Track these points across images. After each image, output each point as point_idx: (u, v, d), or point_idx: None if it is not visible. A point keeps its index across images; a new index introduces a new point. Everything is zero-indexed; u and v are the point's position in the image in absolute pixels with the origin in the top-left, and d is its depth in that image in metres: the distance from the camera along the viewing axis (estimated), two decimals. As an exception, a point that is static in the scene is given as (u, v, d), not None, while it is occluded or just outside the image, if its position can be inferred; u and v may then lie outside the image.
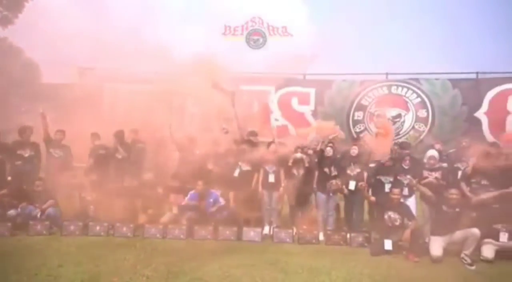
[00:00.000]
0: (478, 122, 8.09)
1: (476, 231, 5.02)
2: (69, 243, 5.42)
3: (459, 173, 6.02)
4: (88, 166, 6.88)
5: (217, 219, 5.97)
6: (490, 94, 8.14)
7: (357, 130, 8.68)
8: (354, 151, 6.06)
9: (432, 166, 5.87)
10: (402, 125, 8.53)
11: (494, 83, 8.18)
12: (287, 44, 8.99)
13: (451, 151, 6.59)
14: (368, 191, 5.81)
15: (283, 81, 8.93)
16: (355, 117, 8.66)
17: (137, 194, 6.45)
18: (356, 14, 9.03)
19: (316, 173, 6.10)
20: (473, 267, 4.81)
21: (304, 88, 8.93)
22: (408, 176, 5.63)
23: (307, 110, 8.77)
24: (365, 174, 5.89)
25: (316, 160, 6.14)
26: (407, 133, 8.42)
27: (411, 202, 5.83)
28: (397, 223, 5.39)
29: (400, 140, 7.96)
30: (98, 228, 5.85)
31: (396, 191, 5.46)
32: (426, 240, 5.28)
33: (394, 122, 8.48)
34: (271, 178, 6.22)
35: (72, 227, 5.84)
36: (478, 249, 5.08)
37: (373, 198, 5.65)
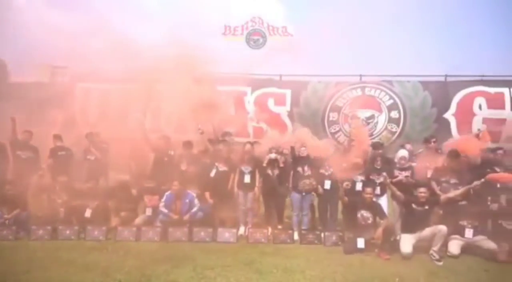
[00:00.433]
0: (447, 123, 8.38)
1: (443, 228, 5.21)
2: (37, 248, 5.25)
3: (429, 172, 6.23)
4: (46, 166, 6.69)
5: (192, 221, 5.92)
6: (458, 96, 8.46)
7: (332, 131, 8.83)
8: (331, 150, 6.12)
9: (402, 166, 6.05)
10: (376, 126, 8.73)
11: (461, 86, 8.51)
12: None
13: (420, 150, 6.80)
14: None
15: (260, 82, 8.96)
16: (330, 118, 8.79)
17: (111, 195, 6.32)
18: (331, 17, 9.19)
19: (291, 173, 6.16)
20: (441, 263, 5.00)
21: (280, 89, 9.00)
22: (384, 173, 5.77)
23: (283, 111, 8.84)
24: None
25: (290, 160, 6.20)
26: (380, 134, 8.62)
27: (383, 201, 5.99)
28: (370, 222, 5.52)
29: (373, 140, 8.15)
30: (68, 232, 5.68)
31: (368, 190, 5.58)
32: (397, 238, 5.42)
33: (368, 123, 8.67)
34: (247, 179, 6.23)
35: (40, 232, 5.65)
36: (445, 245, 5.28)
37: (346, 198, 5.75)
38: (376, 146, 6.64)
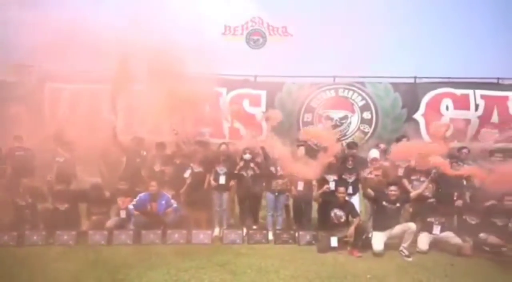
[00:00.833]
0: (416, 123, 8.64)
1: (412, 225, 5.40)
2: (2, 254, 5.03)
3: (400, 171, 6.43)
4: (3, 168, 6.45)
5: (168, 222, 5.83)
6: (427, 97, 8.75)
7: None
8: (301, 152, 6.16)
9: (374, 165, 6.21)
10: (349, 127, 8.88)
11: (429, 87, 8.79)
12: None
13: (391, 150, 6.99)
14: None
15: (235, 82, 8.94)
16: (305, 119, 8.86)
17: (82, 198, 6.13)
18: (306, 18, 9.31)
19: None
20: (410, 259, 5.17)
21: (255, 90, 9.00)
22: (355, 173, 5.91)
23: (258, 112, 8.85)
24: None
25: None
26: (353, 134, 8.78)
27: (355, 200, 6.13)
28: (342, 220, 5.64)
29: (347, 140, 8.32)
30: (35, 237, 5.48)
31: (341, 189, 5.69)
32: (369, 236, 5.56)
33: (341, 124, 8.83)
34: (222, 179, 6.22)
35: (6, 237, 5.43)
36: (415, 241, 5.46)
37: (320, 199, 5.84)
38: (351, 145, 6.82)
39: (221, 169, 6.27)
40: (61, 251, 5.23)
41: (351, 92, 8.93)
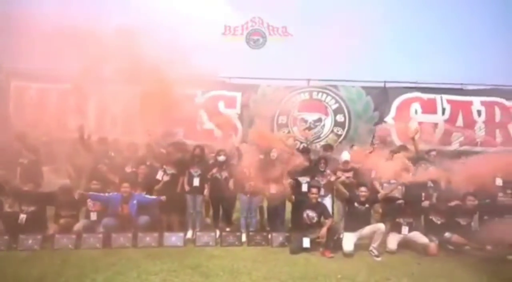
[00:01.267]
0: (387, 126, 8.90)
1: (382, 226, 5.55)
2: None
3: (373, 173, 6.58)
4: None
5: (140, 225, 5.71)
6: (397, 101, 9.04)
7: (282, 133, 8.98)
8: (274, 154, 6.16)
9: (345, 167, 6.34)
10: (323, 129, 9.03)
11: (399, 92, 9.10)
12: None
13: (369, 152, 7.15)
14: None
15: (210, 84, 8.89)
16: (279, 121, 8.95)
17: (50, 200, 5.91)
18: (281, 22, 9.40)
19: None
20: (379, 258, 5.30)
21: (230, 92, 9.00)
22: (328, 171, 6.02)
23: (233, 113, 8.85)
24: None
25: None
26: (327, 136, 8.93)
27: (327, 201, 6.23)
28: (315, 221, 5.71)
29: (321, 143, 8.47)
30: (-4, 242, 5.23)
31: (314, 190, 5.77)
32: (341, 236, 5.66)
33: (315, 126, 8.96)
34: (196, 182, 6.17)
35: (-35, 243, 5.15)
36: (384, 241, 5.61)
37: (293, 197, 5.89)
38: (326, 148, 6.94)
39: (196, 171, 6.21)
40: (25, 256, 5.01)
41: (324, 95, 9.10)
